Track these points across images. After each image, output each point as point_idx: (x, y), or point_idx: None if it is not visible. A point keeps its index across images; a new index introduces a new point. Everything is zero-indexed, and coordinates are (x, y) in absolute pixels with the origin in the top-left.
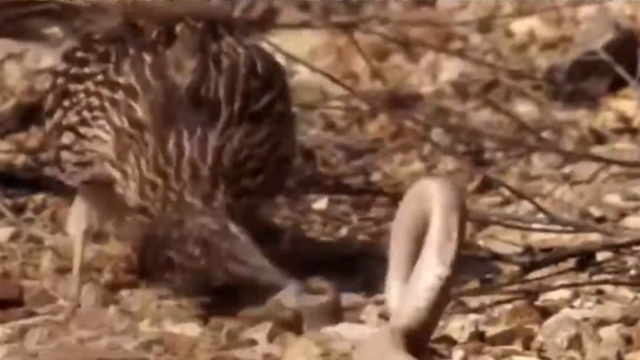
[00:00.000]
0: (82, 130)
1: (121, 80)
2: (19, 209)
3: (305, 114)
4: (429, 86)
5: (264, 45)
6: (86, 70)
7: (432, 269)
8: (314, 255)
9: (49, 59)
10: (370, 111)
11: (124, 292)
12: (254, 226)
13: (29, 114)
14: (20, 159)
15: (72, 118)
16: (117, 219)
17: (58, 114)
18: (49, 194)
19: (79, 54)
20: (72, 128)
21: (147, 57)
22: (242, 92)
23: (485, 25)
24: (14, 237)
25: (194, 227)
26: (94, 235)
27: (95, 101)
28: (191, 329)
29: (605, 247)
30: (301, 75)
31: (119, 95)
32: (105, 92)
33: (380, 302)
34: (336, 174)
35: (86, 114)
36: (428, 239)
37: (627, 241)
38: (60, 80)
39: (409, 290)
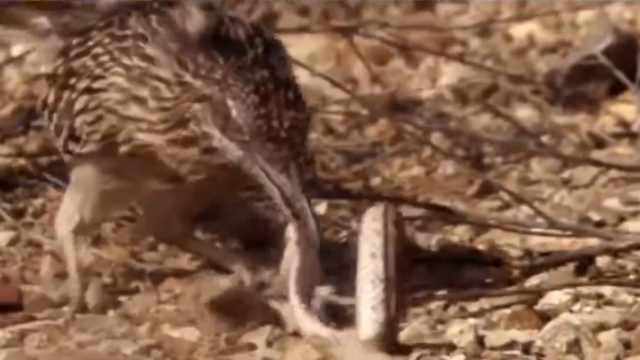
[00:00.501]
0: (96, 85)
1: (128, 32)
2: (18, 214)
3: None
4: (428, 90)
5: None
6: (90, 43)
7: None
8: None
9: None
10: (370, 116)
11: (123, 297)
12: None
13: (28, 118)
14: (20, 163)
15: (83, 83)
16: (114, 210)
17: (66, 94)
18: (48, 198)
19: (77, 41)
20: (85, 90)
21: (153, 16)
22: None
23: (484, 30)
24: (13, 242)
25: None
26: (93, 240)
27: (104, 57)
28: (190, 334)
29: (604, 251)
30: (301, 79)
31: (128, 43)
32: (113, 46)
33: None
34: (336, 179)
35: (98, 70)
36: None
37: (626, 245)
38: (61, 68)
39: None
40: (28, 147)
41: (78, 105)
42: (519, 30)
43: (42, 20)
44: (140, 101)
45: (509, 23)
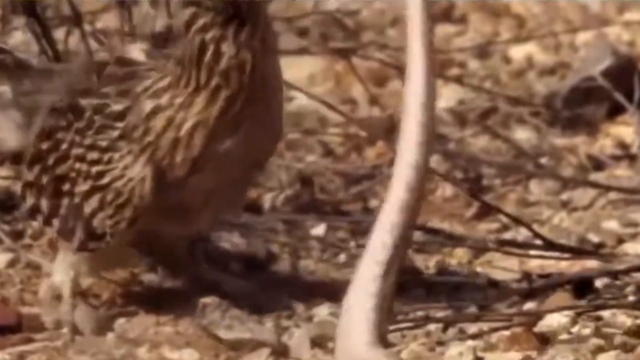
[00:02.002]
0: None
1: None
2: (17, 236)
3: (303, 140)
4: None
5: None
6: (63, 146)
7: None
8: (312, 281)
9: None
10: (369, 137)
11: (122, 319)
12: None
13: None
14: (19, 186)
15: (85, 185)
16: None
17: (65, 200)
18: None
19: (47, 147)
20: (93, 189)
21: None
22: None
23: (483, 52)
24: (12, 264)
25: None
26: None
27: (94, 154)
28: (189, 355)
29: (603, 273)
30: (300, 101)
31: (97, 123)
32: (90, 139)
33: None
34: (334, 200)
35: (97, 168)
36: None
37: (626, 267)
38: (43, 178)
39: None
40: None
41: (90, 207)
42: (518, 52)
43: (4, 89)
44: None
45: (507, 45)
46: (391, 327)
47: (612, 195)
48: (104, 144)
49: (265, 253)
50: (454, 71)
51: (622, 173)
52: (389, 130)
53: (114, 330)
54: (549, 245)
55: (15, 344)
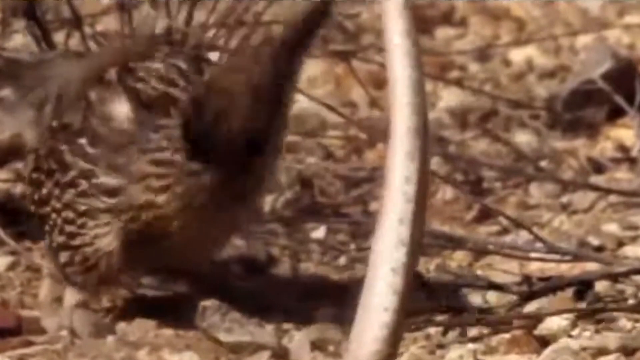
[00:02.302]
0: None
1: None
2: (17, 238)
3: (303, 142)
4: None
5: None
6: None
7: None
8: (312, 284)
9: None
10: (369, 140)
11: (122, 322)
12: None
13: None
14: (19, 188)
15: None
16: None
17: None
18: None
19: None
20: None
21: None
22: None
23: (483, 55)
24: (12, 266)
25: None
26: None
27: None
28: (189, 358)
29: (603, 276)
30: (299, 103)
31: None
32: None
33: None
34: (335, 203)
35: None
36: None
37: (626, 270)
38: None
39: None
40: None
41: (62, 258)
42: (518, 55)
43: (6, 93)
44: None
45: (507, 48)
46: None
47: (613, 198)
48: (82, 208)
49: (266, 256)
50: (454, 74)
51: (622, 176)
52: (389, 132)
53: (114, 333)
54: (549, 248)
55: (15, 347)
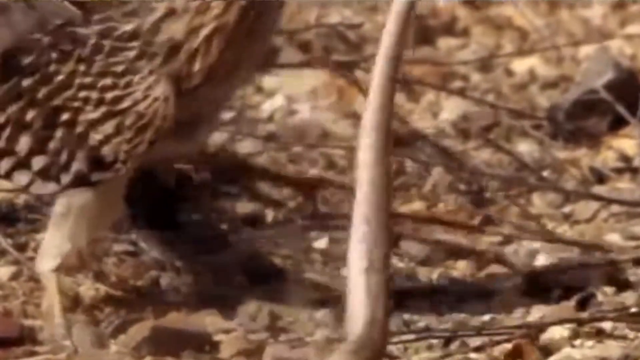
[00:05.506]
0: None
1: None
2: (20, 248)
3: (306, 153)
4: (429, 125)
5: None
6: (59, 77)
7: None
8: (316, 293)
9: None
10: None
11: (124, 331)
12: None
13: None
14: (22, 198)
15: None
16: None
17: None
18: None
19: (35, 80)
20: (106, 116)
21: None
22: None
23: (485, 65)
24: (15, 276)
25: None
26: (95, 274)
27: (107, 80)
28: None
29: (604, 284)
30: (302, 114)
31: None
32: (97, 65)
33: None
34: (337, 213)
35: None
36: None
37: (627, 258)
38: (30, 113)
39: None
40: None
41: (100, 134)
42: (520, 65)
43: None
44: None
45: (510, 58)
46: (394, 340)
47: (615, 208)
48: (119, 69)
49: (269, 265)
50: (457, 84)
51: (624, 186)
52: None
53: (115, 343)
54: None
55: (17, 357)
